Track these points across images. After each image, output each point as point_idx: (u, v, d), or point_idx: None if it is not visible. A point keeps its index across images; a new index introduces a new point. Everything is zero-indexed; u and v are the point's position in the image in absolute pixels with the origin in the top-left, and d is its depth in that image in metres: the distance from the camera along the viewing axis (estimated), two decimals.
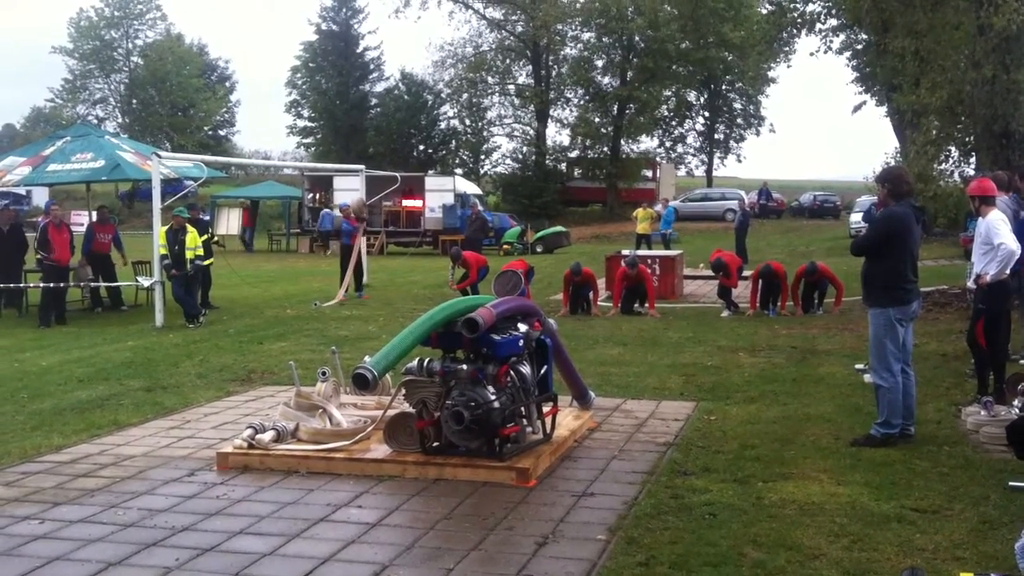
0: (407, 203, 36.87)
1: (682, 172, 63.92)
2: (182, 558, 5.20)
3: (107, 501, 6.24)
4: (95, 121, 60.58)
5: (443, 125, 61.10)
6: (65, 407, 9.27)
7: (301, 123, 62.82)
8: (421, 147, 60.12)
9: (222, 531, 5.63)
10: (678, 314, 16.08)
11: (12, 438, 8.02)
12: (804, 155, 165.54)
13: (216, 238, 19.80)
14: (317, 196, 38.43)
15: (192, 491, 6.45)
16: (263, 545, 5.39)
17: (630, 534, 5.47)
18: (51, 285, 15.85)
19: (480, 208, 32.37)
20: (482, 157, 61.26)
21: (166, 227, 15.56)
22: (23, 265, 16.97)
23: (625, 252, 20.14)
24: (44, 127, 61.59)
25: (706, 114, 63.22)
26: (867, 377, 9.04)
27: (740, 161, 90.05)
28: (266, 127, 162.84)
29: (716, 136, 63.83)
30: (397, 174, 28.10)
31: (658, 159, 57.66)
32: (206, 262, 16.71)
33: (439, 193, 36.93)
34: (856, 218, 34.25)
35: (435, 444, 6.86)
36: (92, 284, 17.67)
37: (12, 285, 16.76)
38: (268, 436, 7.13)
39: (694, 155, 64.49)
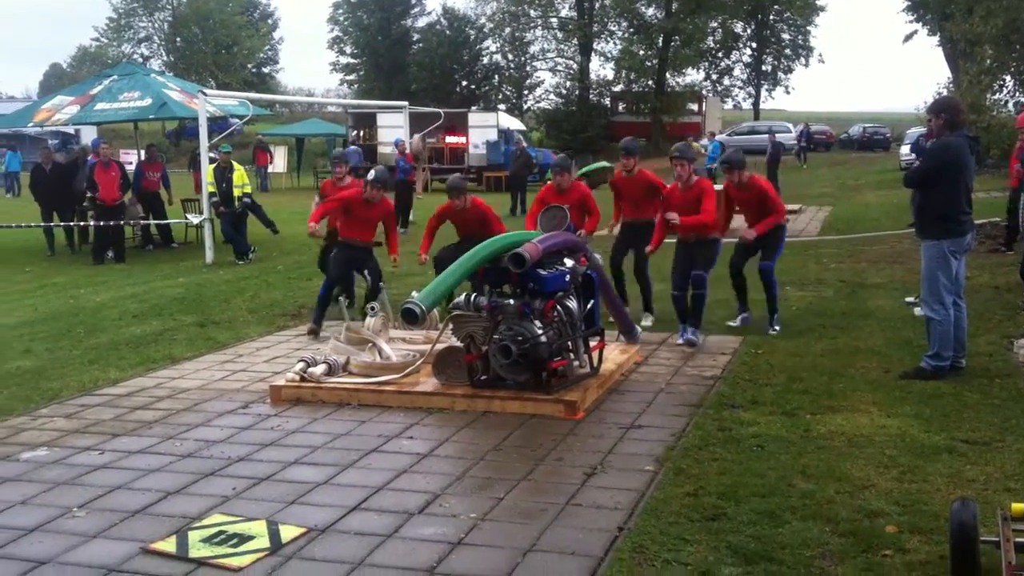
0: (450, 139, 36.77)
1: (728, 105, 62.94)
2: (239, 487, 5.32)
3: (164, 432, 6.39)
4: (140, 60, 60.81)
5: (485, 60, 60.79)
6: (120, 342, 9.48)
7: (344, 60, 62.76)
8: (464, 83, 59.82)
9: (277, 461, 5.75)
10: (726, 248, 15.93)
11: (70, 372, 8.23)
12: (853, 86, 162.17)
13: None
14: (361, 133, 38.45)
15: (246, 423, 6.59)
16: (317, 474, 5.50)
17: (678, 465, 5.50)
18: (100, 224, 16.08)
19: (524, 144, 32.16)
20: (525, 92, 60.94)
21: (213, 165, 15.69)
22: (72, 203, 17.16)
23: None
24: (90, 67, 61.97)
25: (753, 45, 61.94)
26: (918, 310, 8.95)
27: (788, 93, 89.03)
28: (309, 64, 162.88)
29: (763, 68, 62.62)
30: (440, 110, 28.01)
31: (704, 92, 56.77)
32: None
33: (482, 129, 36.79)
34: (905, 150, 33.58)
35: (483, 377, 6.93)
36: (143, 222, 17.90)
37: (58, 224, 17.02)
38: (320, 369, 7.24)
39: (741, 88, 63.44)
